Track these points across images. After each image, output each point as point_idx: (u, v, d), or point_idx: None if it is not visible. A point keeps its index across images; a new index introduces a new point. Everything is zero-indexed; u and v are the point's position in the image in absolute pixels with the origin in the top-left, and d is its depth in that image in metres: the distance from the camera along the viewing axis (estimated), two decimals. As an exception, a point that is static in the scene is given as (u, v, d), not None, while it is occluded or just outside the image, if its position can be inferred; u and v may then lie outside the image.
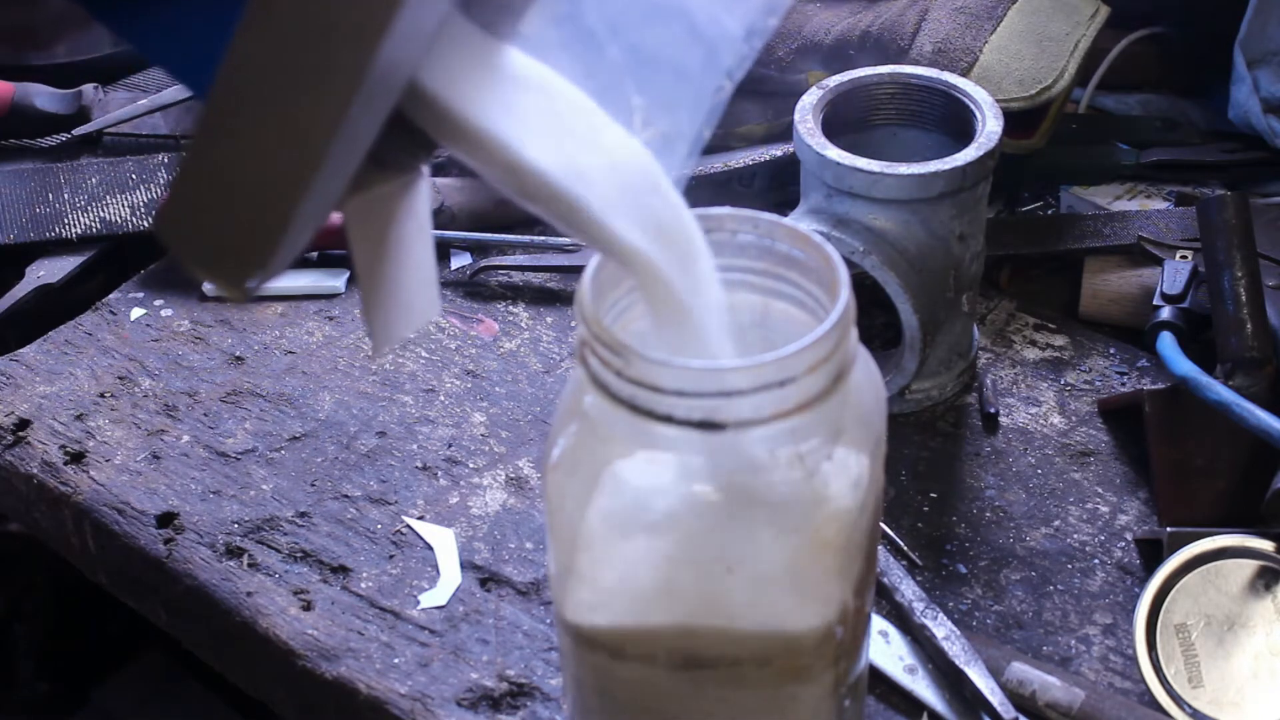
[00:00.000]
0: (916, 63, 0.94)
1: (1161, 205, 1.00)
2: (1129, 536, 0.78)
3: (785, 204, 0.88)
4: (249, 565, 0.78)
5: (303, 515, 0.81)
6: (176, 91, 1.13)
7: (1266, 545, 0.72)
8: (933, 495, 0.81)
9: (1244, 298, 0.80)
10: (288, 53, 0.42)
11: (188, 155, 0.44)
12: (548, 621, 0.74)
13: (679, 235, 0.51)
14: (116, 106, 1.14)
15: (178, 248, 0.45)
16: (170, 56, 0.47)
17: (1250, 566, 0.72)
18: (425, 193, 0.53)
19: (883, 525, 0.78)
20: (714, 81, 0.51)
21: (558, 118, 0.49)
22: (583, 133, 0.49)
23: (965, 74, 0.93)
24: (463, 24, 0.48)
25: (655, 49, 0.51)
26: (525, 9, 0.50)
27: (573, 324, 0.93)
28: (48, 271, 1.01)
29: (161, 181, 1.06)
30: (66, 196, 1.05)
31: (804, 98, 0.82)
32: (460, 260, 1.00)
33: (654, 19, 0.52)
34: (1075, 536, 0.78)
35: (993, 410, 0.85)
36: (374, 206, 0.50)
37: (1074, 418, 0.86)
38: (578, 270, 0.80)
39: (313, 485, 0.83)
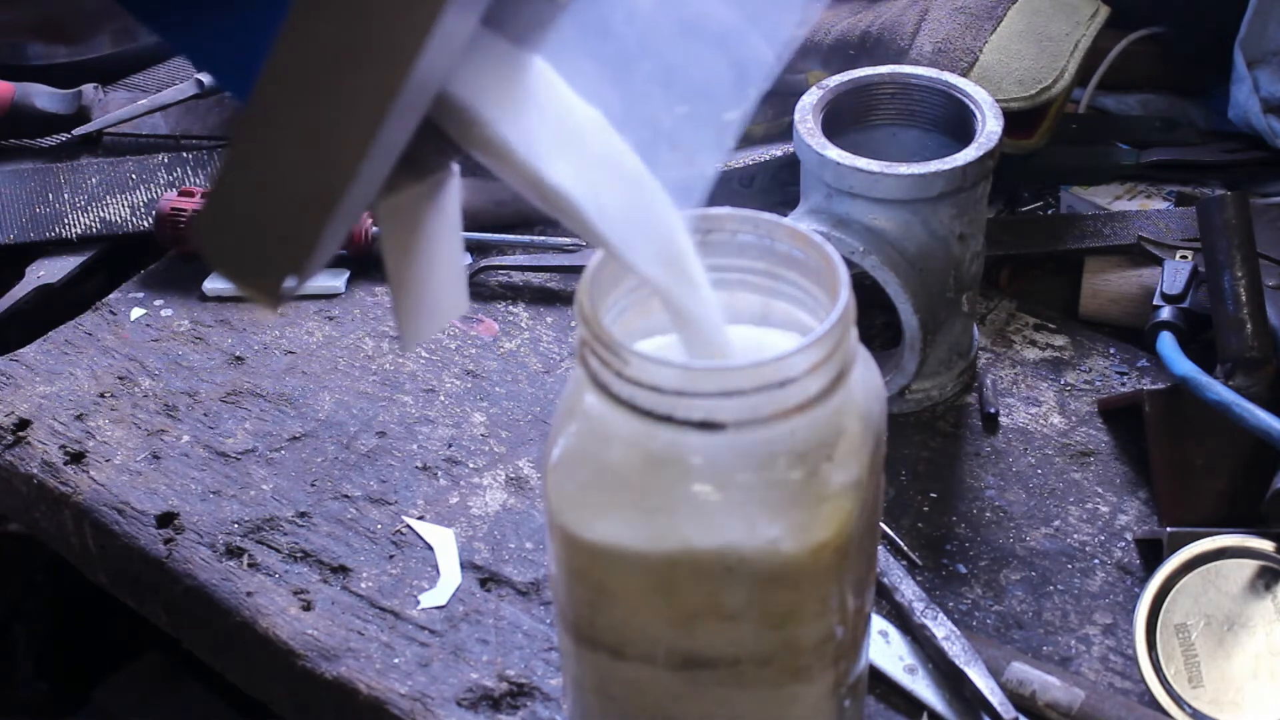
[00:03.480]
0: (916, 63, 0.94)
1: (1161, 205, 1.00)
2: (1129, 536, 0.78)
3: (785, 204, 0.89)
4: (249, 565, 0.78)
5: (303, 515, 0.81)
6: (176, 91, 1.13)
7: (1266, 545, 0.72)
8: (933, 495, 0.81)
9: (1244, 298, 0.80)
10: (324, 67, 0.42)
11: (224, 163, 0.45)
12: (548, 621, 0.74)
13: (679, 254, 0.52)
14: (116, 106, 1.14)
15: (212, 254, 0.46)
16: (217, 64, 0.48)
17: (1250, 566, 0.72)
18: (455, 191, 0.53)
19: (883, 525, 0.78)
20: (741, 98, 0.51)
21: (577, 137, 0.50)
22: (599, 154, 0.50)
23: (965, 74, 0.93)
24: (490, 37, 0.49)
25: (684, 65, 0.52)
26: (551, 22, 0.50)
27: (573, 324, 0.93)
28: (48, 271, 1.01)
29: (162, 181, 1.06)
30: (66, 196, 1.05)
31: (804, 98, 0.82)
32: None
33: (683, 35, 0.52)
34: (1075, 536, 0.78)
35: (993, 410, 0.85)
36: (405, 207, 0.50)
37: (1074, 418, 0.86)
38: (578, 270, 0.80)
39: (313, 485, 0.83)
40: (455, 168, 0.52)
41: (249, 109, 0.44)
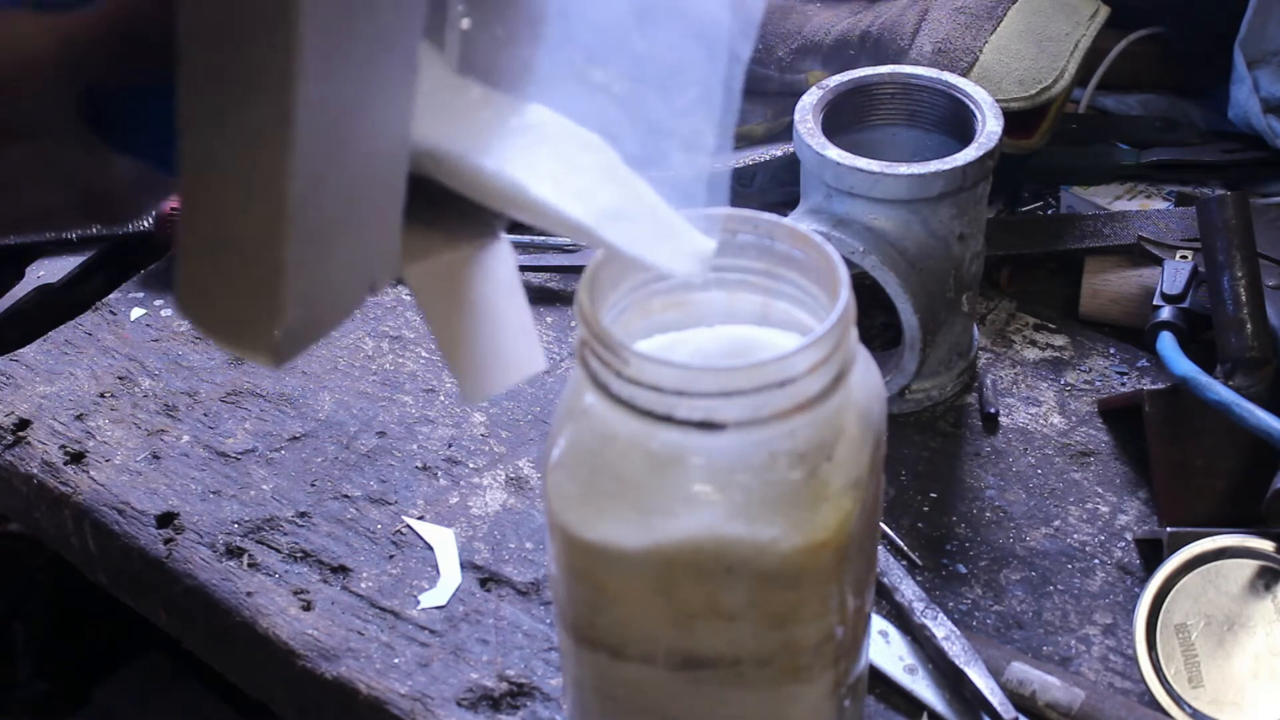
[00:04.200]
0: (916, 63, 0.94)
1: (1161, 205, 1.00)
2: (1129, 536, 0.78)
3: (785, 204, 0.88)
4: (249, 565, 0.78)
5: (303, 515, 0.81)
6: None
7: (1266, 545, 0.72)
8: (933, 495, 0.81)
9: (1244, 298, 0.80)
10: (221, 108, 0.43)
11: (179, 234, 0.45)
12: (548, 621, 0.74)
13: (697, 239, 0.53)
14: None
15: (201, 325, 0.47)
16: None
17: (1250, 566, 0.72)
18: (506, 257, 0.53)
19: (883, 525, 0.78)
20: (722, 72, 0.51)
21: (584, 167, 0.50)
22: (607, 176, 0.51)
23: (965, 74, 0.93)
24: (475, 89, 0.49)
25: (658, 57, 0.52)
26: (531, 62, 0.51)
27: (573, 324, 0.93)
28: (48, 271, 1.01)
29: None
30: (66, 196, 1.05)
31: (804, 98, 0.82)
32: (460, 260, 1.00)
33: (647, 27, 0.52)
34: (1075, 536, 0.78)
35: (993, 410, 0.85)
36: (442, 273, 0.51)
37: (1074, 418, 0.86)
38: (578, 270, 0.80)
39: (313, 485, 0.83)
40: (501, 235, 0.53)
41: (181, 173, 0.44)
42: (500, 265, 0.53)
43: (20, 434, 0.87)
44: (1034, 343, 0.91)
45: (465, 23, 0.49)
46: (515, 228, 1.04)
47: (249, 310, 0.45)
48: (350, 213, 0.46)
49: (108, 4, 0.49)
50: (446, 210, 0.49)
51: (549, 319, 0.95)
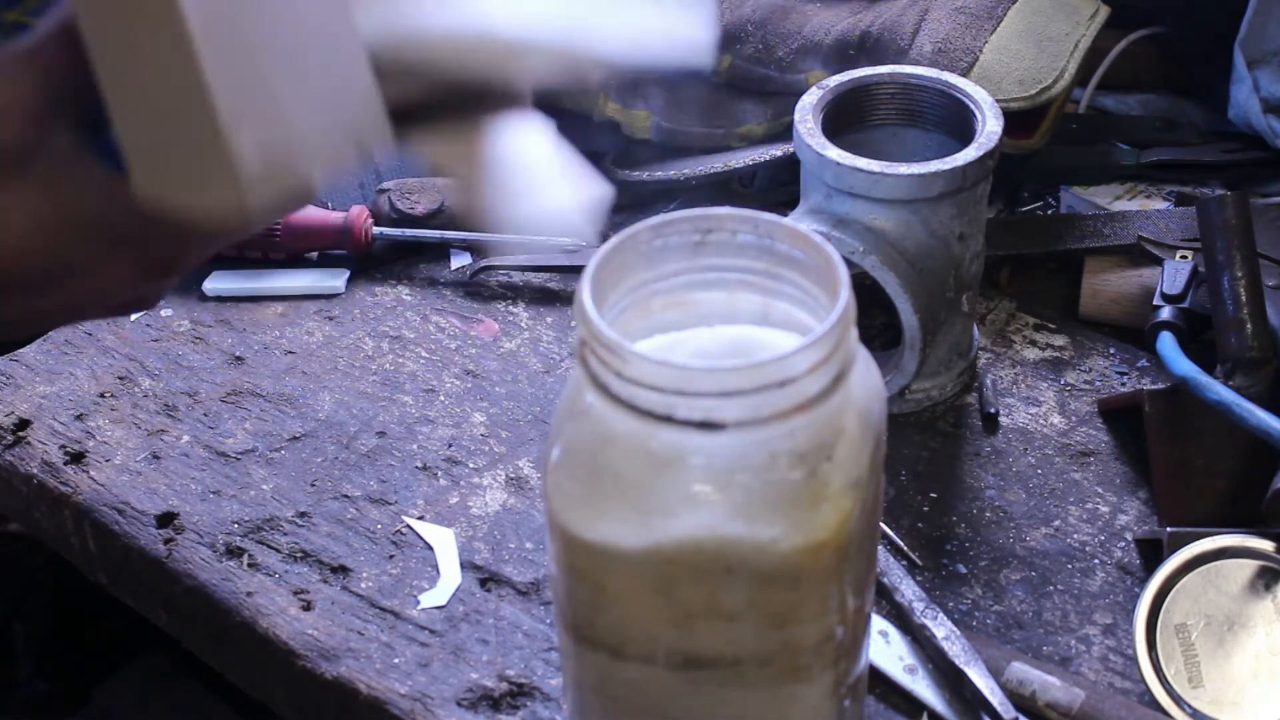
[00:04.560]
0: (916, 63, 0.94)
1: (1161, 205, 1.00)
2: (1129, 536, 0.78)
3: (785, 204, 0.89)
4: (249, 565, 0.78)
5: (303, 515, 0.81)
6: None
7: (1266, 545, 0.72)
8: (933, 495, 0.81)
9: (1244, 298, 0.80)
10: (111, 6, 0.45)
11: (121, 139, 0.47)
12: (548, 621, 0.75)
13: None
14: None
15: (165, 200, 0.48)
16: None
17: (1250, 566, 0.72)
18: (533, 125, 0.54)
19: (883, 525, 0.78)
20: None
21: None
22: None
23: (965, 74, 0.93)
24: None
25: None
26: None
27: (573, 324, 0.93)
28: (48, 271, 1.01)
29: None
30: (66, 196, 1.05)
31: (804, 98, 0.82)
32: (460, 260, 1.00)
33: None
34: (1075, 536, 0.78)
35: (993, 410, 0.85)
36: (453, 142, 0.53)
37: (1074, 418, 0.86)
38: (578, 270, 0.80)
39: (313, 485, 0.83)
40: (523, 105, 0.53)
41: (103, 85, 0.46)
42: (523, 133, 0.54)
43: (20, 434, 0.87)
44: (1034, 343, 0.91)
45: None
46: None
47: (204, 164, 0.46)
48: (295, 67, 0.47)
49: (55, 28, 0.50)
50: (449, 93, 0.50)
51: (549, 319, 0.95)
